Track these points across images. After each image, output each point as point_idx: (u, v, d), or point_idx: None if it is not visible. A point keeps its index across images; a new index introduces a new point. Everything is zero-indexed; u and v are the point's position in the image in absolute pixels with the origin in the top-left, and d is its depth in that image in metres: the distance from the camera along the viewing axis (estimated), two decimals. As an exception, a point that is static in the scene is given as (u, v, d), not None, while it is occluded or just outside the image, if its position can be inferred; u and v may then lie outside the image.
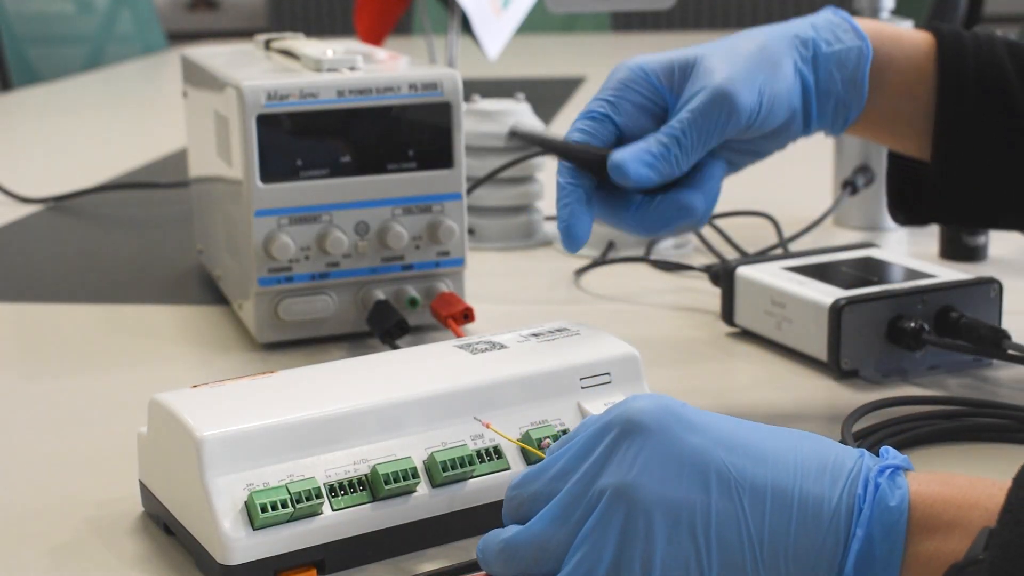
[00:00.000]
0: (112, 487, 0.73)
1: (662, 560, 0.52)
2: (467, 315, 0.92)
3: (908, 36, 0.82)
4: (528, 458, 0.68)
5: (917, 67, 0.81)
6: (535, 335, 0.74)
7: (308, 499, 0.62)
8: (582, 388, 0.71)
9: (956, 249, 1.13)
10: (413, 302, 0.94)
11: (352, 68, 0.93)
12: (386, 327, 0.92)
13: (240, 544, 0.61)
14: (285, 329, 0.94)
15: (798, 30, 0.79)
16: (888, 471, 0.53)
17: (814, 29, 0.79)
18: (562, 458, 0.57)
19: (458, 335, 0.89)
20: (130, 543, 0.67)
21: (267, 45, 1.09)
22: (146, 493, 0.69)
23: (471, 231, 1.19)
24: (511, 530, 0.57)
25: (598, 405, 0.70)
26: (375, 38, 1.75)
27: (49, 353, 0.98)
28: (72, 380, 0.92)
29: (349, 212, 0.92)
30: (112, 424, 0.83)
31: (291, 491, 0.62)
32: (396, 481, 0.64)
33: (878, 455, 0.55)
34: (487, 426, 0.67)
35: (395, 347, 0.92)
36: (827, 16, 0.81)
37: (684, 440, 0.54)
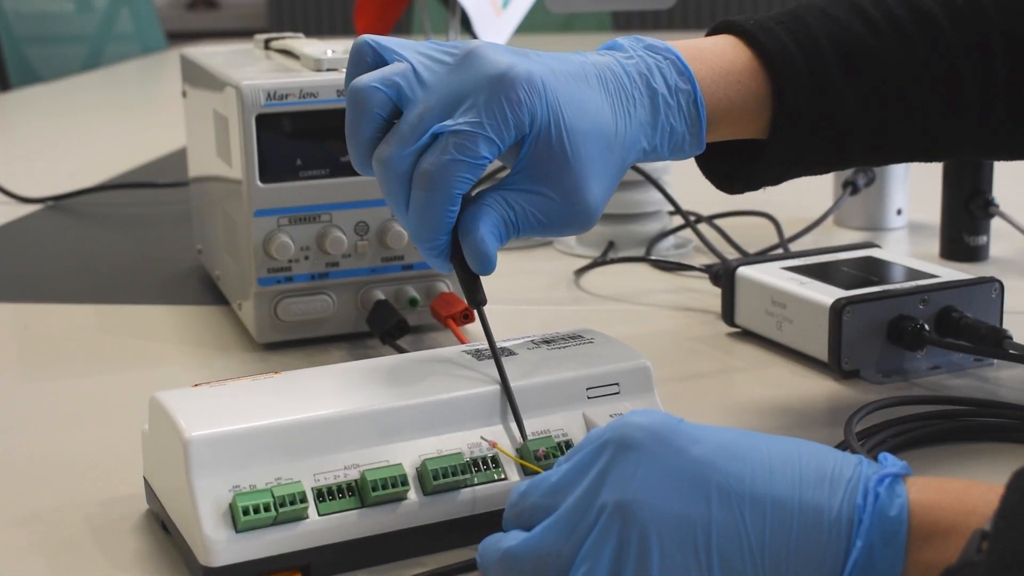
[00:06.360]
0: (110, 487, 0.73)
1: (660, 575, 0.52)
2: (467, 315, 0.92)
3: (740, 78, 0.75)
4: (527, 474, 0.66)
5: (754, 107, 0.75)
6: (547, 342, 0.73)
7: (292, 503, 0.61)
8: (588, 399, 0.69)
9: (957, 249, 1.13)
10: (413, 302, 0.94)
11: (352, 68, 0.93)
12: (386, 327, 0.92)
13: (221, 546, 0.60)
14: (284, 329, 0.93)
15: (647, 136, 0.71)
16: (887, 480, 0.53)
17: (667, 145, 0.72)
18: (562, 472, 0.57)
19: (458, 335, 0.89)
20: (132, 542, 0.67)
21: (267, 45, 1.09)
22: (149, 490, 0.69)
23: (471, 231, 1.19)
24: (512, 538, 0.57)
25: (603, 416, 0.68)
26: (375, 38, 1.75)
27: (48, 353, 0.98)
28: (70, 380, 0.92)
29: (349, 212, 0.92)
30: (110, 424, 0.82)
31: (275, 495, 0.61)
32: (384, 488, 0.63)
33: (876, 459, 0.55)
34: (493, 445, 0.66)
35: (395, 347, 0.92)
36: (681, 102, 0.71)
37: (683, 454, 0.54)
